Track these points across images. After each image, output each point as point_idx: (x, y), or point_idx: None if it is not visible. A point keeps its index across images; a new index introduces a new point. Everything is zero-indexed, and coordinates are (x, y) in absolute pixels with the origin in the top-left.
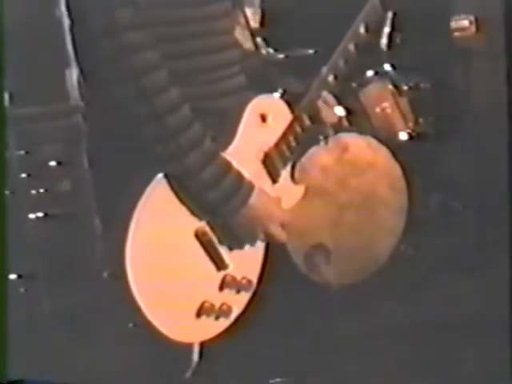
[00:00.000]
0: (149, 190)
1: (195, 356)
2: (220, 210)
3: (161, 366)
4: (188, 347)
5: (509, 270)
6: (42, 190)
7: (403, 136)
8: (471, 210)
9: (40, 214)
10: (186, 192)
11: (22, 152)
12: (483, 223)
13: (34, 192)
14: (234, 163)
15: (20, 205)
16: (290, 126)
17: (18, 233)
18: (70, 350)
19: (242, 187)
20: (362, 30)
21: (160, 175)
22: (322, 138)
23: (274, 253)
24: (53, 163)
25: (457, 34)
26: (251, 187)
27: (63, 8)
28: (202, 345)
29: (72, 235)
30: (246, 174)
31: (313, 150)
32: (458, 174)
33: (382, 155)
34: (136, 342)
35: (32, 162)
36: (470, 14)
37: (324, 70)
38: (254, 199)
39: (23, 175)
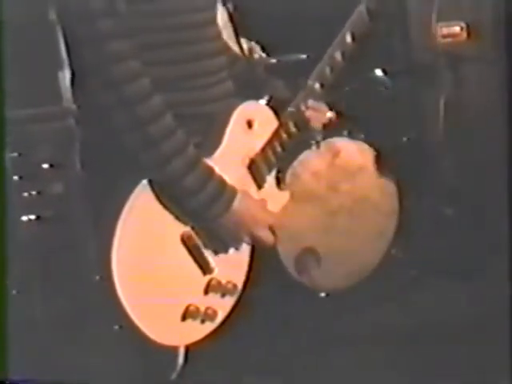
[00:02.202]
0: (133, 196)
1: (180, 359)
2: (203, 215)
3: (147, 369)
4: (174, 350)
5: (501, 274)
6: (34, 193)
7: None
8: (462, 214)
9: (32, 217)
10: (170, 198)
11: (15, 154)
12: (474, 227)
13: (26, 194)
14: (217, 169)
15: (12, 207)
16: (276, 132)
17: (10, 235)
18: (59, 350)
19: (224, 192)
20: (348, 38)
21: (144, 181)
22: (313, 142)
23: (262, 257)
24: (45, 165)
25: (448, 39)
26: (234, 192)
27: (54, 13)
28: (188, 348)
29: (64, 238)
30: (231, 180)
31: (304, 154)
32: (449, 178)
33: (373, 160)
34: (122, 344)
35: (24, 164)
36: (461, 20)
37: (310, 77)
38: (237, 204)
39: (15, 177)
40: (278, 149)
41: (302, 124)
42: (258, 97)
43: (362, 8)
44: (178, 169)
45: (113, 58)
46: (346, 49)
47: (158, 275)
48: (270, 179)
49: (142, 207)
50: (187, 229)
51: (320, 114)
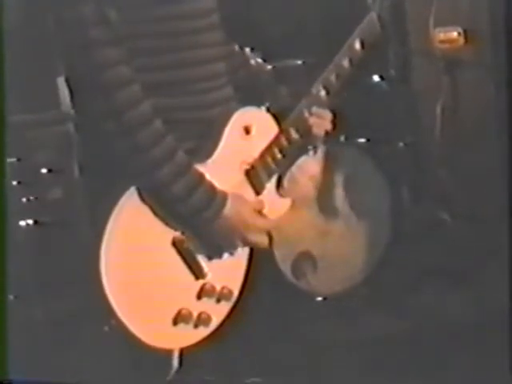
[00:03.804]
0: (121, 201)
1: (175, 363)
2: (193, 221)
3: (141, 372)
4: (168, 354)
5: (497, 280)
6: (32, 198)
7: None
8: (459, 220)
9: (30, 222)
10: (160, 204)
11: (14, 159)
12: (472, 232)
13: (24, 199)
14: (208, 175)
15: (11, 212)
16: (276, 138)
17: (8, 240)
18: (55, 353)
19: (215, 198)
20: (357, 45)
21: (132, 188)
22: (311, 147)
23: (258, 262)
24: (44, 170)
25: (445, 45)
26: (225, 197)
27: (51, 20)
28: (182, 352)
29: (62, 243)
30: (226, 186)
31: (302, 159)
32: (446, 183)
33: (369, 165)
34: (119, 347)
35: (23, 170)
36: (458, 25)
37: (315, 84)
38: (228, 209)
39: (14, 182)
40: (278, 155)
41: (305, 130)
42: (259, 103)
43: (373, 15)
44: (168, 174)
45: (104, 66)
46: (354, 56)
47: (148, 279)
48: (270, 186)
49: (131, 213)
50: (178, 234)
51: (323, 120)
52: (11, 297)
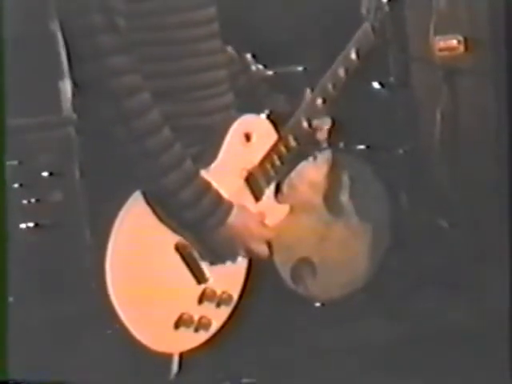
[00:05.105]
0: (126, 206)
1: (175, 366)
2: (198, 227)
3: (141, 375)
4: (168, 357)
5: (496, 284)
6: (33, 200)
7: None
8: (458, 225)
9: (31, 224)
10: (165, 209)
11: (15, 162)
12: (472, 239)
13: (25, 202)
14: (213, 182)
15: (11, 215)
16: (275, 145)
17: (9, 242)
18: (55, 355)
19: (220, 206)
20: (353, 55)
21: (137, 192)
22: (309, 154)
23: (259, 268)
24: (45, 174)
25: (445, 52)
26: (230, 206)
27: (56, 25)
28: (182, 356)
29: (62, 245)
30: (227, 193)
31: (301, 165)
32: (446, 190)
33: (368, 171)
34: (118, 350)
35: (24, 172)
36: (458, 33)
37: (312, 93)
38: (233, 218)
39: (15, 185)
40: (277, 162)
41: (302, 138)
42: (259, 110)
43: (367, 25)
44: (175, 181)
45: (113, 73)
46: (349, 65)
47: (151, 284)
48: (269, 192)
49: (136, 217)
50: (181, 239)
51: (323, 128)
52: (11, 298)
